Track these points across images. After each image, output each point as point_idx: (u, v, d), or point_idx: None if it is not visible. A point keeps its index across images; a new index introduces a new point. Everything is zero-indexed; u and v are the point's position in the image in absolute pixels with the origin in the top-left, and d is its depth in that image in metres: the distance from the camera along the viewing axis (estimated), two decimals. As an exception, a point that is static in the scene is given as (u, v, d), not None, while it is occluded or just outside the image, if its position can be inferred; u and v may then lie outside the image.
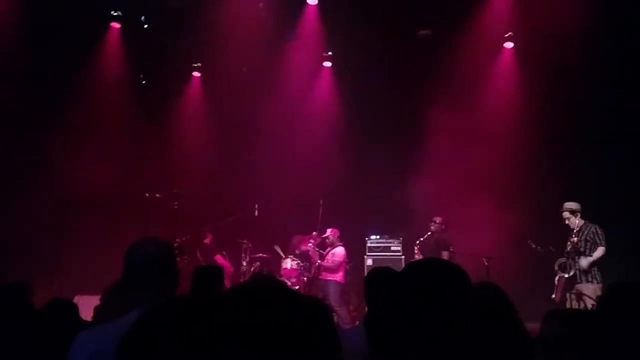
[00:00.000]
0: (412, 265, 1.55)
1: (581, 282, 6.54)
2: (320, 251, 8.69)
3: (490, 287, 2.18)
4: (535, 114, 8.40)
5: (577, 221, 6.67)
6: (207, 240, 8.59)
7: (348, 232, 8.78)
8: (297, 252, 8.80)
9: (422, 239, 8.18)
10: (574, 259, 6.63)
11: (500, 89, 9.06)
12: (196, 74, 10.08)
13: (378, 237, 9.13)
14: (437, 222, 8.17)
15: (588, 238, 6.58)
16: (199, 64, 9.91)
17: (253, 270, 8.39)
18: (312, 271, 8.61)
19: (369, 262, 8.94)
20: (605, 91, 7.82)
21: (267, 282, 0.99)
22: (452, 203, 8.19)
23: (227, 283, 7.03)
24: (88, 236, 8.14)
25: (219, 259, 8.16)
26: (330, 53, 9.89)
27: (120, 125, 9.03)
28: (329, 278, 8.37)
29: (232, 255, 8.63)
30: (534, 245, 7.07)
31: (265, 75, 9.33)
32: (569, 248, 6.69)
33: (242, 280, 8.16)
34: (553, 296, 6.66)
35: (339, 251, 8.47)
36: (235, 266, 8.52)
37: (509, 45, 9.12)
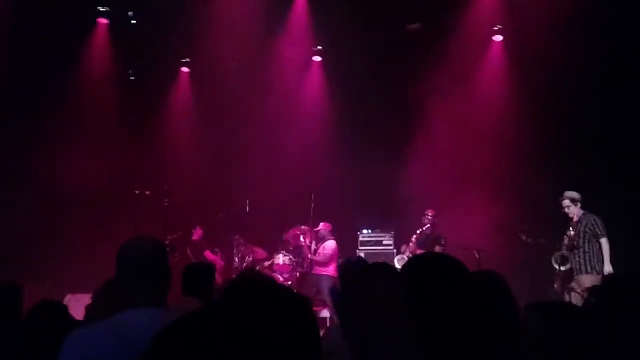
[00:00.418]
0: (413, 262, 1.56)
1: (581, 273, 6.43)
2: (311, 246, 8.71)
3: (490, 276, 2.18)
4: (525, 106, 8.43)
5: (577, 210, 6.59)
6: (196, 237, 8.55)
7: (340, 227, 8.79)
8: (290, 247, 8.80)
9: (419, 231, 8.21)
10: (571, 251, 6.52)
11: (490, 82, 9.08)
12: (184, 69, 10.00)
13: (370, 231, 9.15)
14: (430, 215, 8.19)
15: (587, 229, 6.47)
16: (188, 59, 9.84)
17: (245, 266, 8.38)
18: (305, 266, 8.63)
19: (361, 256, 8.96)
20: (597, 83, 7.85)
21: (250, 281, 0.97)
22: (442, 195, 8.22)
23: (219, 279, 7.00)
24: (78, 234, 8.07)
25: (208, 254, 8.13)
26: (319, 47, 9.86)
27: (108, 122, 8.96)
28: (321, 272, 8.39)
29: (224, 251, 8.61)
30: (524, 237, 7.07)
31: (255, 70, 9.28)
32: (565, 241, 6.59)
33: (234, 275, 8.14)
34: (555, 286, 6.62)
35: (330, 244, 8.49)
36: (228, 262, 8.49)
37: (498, 38, 9.15)
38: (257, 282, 1.00)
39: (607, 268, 6.27)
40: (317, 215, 8.72)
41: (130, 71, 9.48)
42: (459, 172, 8.46)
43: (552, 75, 7.87)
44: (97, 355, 1.74)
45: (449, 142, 8.56)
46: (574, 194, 6.67)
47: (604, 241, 6.37)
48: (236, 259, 8.45)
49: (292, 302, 0.91)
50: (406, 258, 8.21)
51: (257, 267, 8.46)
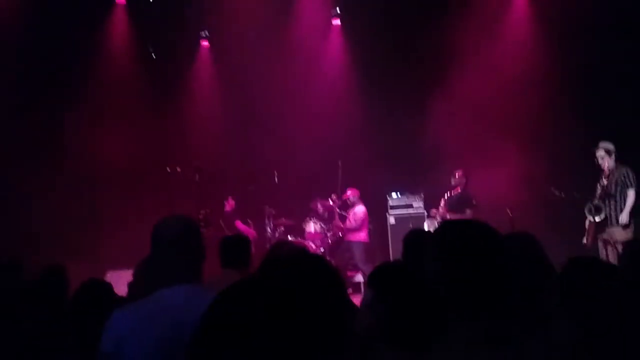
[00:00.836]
0: (445, 229, 1.57)
1: (612, 225, 6.41)
2: (342, 213, 8.75)
3: (522, 238, 2.18)
4: (549, 59, 8.16)
5: (611, 162, 6.51)
6: (228, 208, 8.69)
7: (369, 192, 8.79)
8: (319, 213, 8.86)
9: (447, 194, 8.15)
10: (604, 202, 6.49)
11: (515, 35, 8.79)
12: (205, 43, 9.98)
13: (399, 194, 9.13)
14: (458, 175, 8.11)
15: (619, 181, 6.42)
16: (207, 33, 9.81)
17: (278, 236, 8.50)
18: (335, 232, 8.69)
19: (392, 220, 8.98)
20: (625, 32, 7.53)
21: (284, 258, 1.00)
22: (471, 152, 8.10)
23: (253, 249, 7.12)
24: (115, 212, 8.30)
25: (239, 224, 8.27)
26: (338, 11, 9.69)
27: (134, 101, 9.06)
28: (353, 239, 8.45)
29: (256, 222, 8.75)
30: (557, 192, 6.97)
31: (275, 38, 9.18)
32: (599, 191, 6.55)
33: (268, 245, 8.28)
34: (584, 241, 6.58)
35: (360, 210, 8.52)
36: (260, 232, 8.63)
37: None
38: (290, 258, 1.03)
39: (624, 216, 6.31)
40: (345, 181, 8.73)
41: (151, 49, 9.52)
42: (486, 127, 8.27)
43: (579, 31, 7.57)
44: (135, 335, 1.82)
45: (474, 97, 8.34)
46: (609, 145, 6.57)
47: (631, 192, 6.36)
48: (268, 229, 8.57)
49: (323, 275, 0.94)
50: (436, 223, 8.19)
51: (289, 237, 8.57)
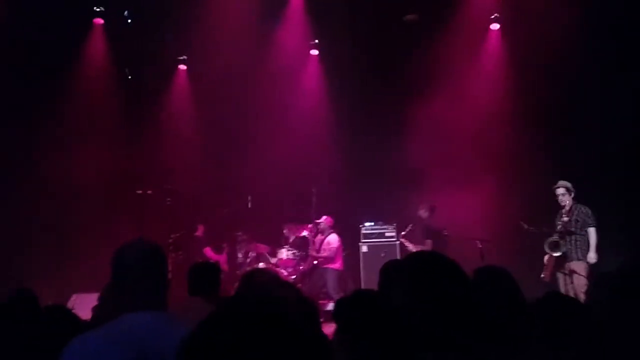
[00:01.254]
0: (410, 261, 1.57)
1: (572, 260, 6.62)
2: (314, 240, 8.73)
3: (496, 272, 2.20)
4: (524, 94, 8.42)
5: (569, 201, 6.77)
6: (198, 233, 8.57)
7: (342, 220, 8.81)
8: (290, 240, 8.82)
9: (405, 231, 8.26)
10: (564, 238, 6.70)
11: (488, 70, 9.06)
12: (182, 67, 9.99)
13: (372, 223, 9.15)
14: (422, 209, 8.23)
15: (578, 219, 6.69)
16: (185, 57, 9.82)
17: (249, 262, 8.41)
18: (309, 262, 8.65)
19: (364, 248, 8.97)
20: (596, 68, 7.84)
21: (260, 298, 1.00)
22: (443, 187, 8.21)
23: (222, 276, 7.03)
24: (83, 235, 8.10)
25: (207, 251, 8.16)
26: (316, 41, 9.84)
27: (107, 122, 8.95)
28: (327, 266, 8.42)
29: (229, 246, 8.65)
30: (526, 226, 7.10)
31: (252, 66, 9.25)
32: (559, 227, 6.75)
33: (238, 272, 8.18)
34: (542, 275, 6.72)
35: (333, 238, 8.52)
36: (231, 258, 8.54)
37: (496, 26, 9.12)
38: (263, 286, 1.03)
39: (592, 255, 6.53)
40: (319, 209, 8.73)
41: (127, 70, 9.47)
42: (461, 158, 8.44)
43: (551, 61, 7.85)
44: (99, 358, 1.76)
45: (449, 128, 8.50)
46: (568, 184, 6.87)
47: (592, 230, 6.59)
48: (240, 255, 8.48)
49: (297, 306, 0.94)
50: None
51: (261, 263, 8.49)
